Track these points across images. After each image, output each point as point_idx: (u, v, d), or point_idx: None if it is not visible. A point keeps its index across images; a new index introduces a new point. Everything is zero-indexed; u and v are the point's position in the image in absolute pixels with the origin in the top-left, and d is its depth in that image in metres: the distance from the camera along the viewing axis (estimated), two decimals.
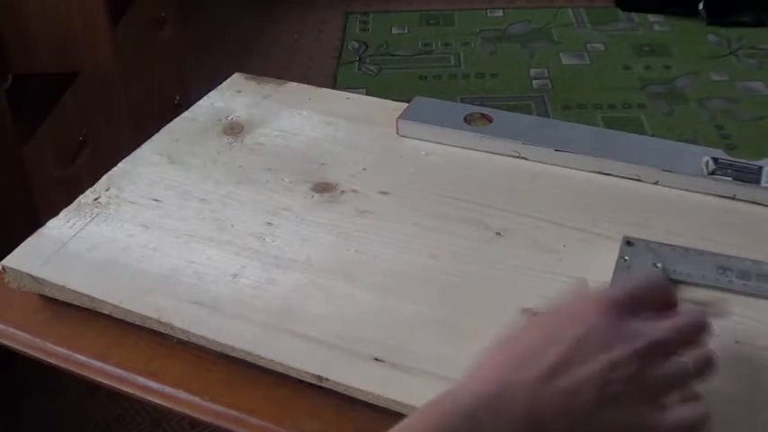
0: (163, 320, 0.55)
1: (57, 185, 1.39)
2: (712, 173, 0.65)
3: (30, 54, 1.50)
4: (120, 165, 0.71)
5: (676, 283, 0.56)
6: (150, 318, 0.55)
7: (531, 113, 2.07)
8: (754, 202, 0.64)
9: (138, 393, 0.54)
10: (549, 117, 2.06)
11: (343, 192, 0.67)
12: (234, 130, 0.76)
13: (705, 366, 0.42)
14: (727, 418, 0.47)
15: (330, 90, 0.82)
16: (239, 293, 0.57)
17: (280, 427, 0.51)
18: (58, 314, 0.59)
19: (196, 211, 0.65)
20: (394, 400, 0.49)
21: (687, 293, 0.56)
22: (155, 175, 0.69)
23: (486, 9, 2.70)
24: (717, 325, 0.53)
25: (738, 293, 0.55)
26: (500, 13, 2.67)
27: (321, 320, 0.54)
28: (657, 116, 2.09)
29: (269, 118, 0.77)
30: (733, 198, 0.65)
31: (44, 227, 0.64)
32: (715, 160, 0.66)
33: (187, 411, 0.53)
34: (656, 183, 0.67)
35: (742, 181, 0.64)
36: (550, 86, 2.24)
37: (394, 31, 2.60)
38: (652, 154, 0.68)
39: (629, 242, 0.59)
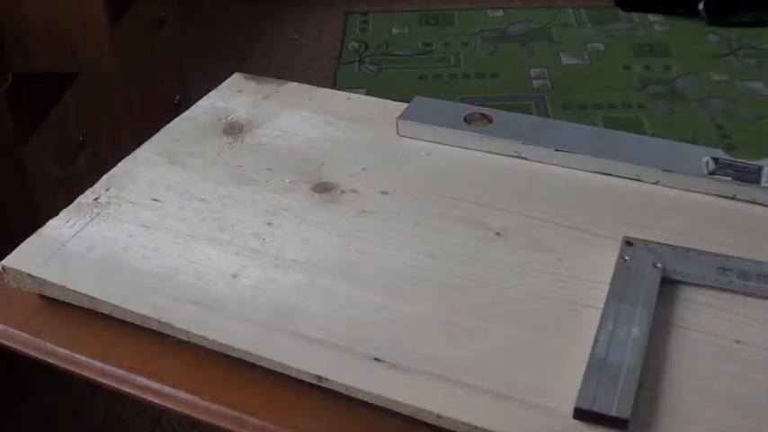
0: (163, 320, 0.55)
1: (57, 185, 1.40)
2: (712, 173, 0.65)
3: (30, 54, 1.50)
4: (120, 165, 0.71)
5: (676, 283, 0.56)
6: (150, 318, 0.55)
7: (531, 113, 2.07)
8: (754, 202, 0.64)
9: (138, 393, 0.54)
10: (549, 117, 2.06)
11: (343, 192, 0.67)
12: (234, 130, 0.76)
13: None
14: (727, 418, 0.47)
15: (330, 90, 0.82)
16: (239, 293, 0.57)
17: (280, 427, 0.51)
18: (57, 314, 0.59)
19: (196, 211, 0.65)
20: (394, 400, 0.49)
21: (687, 294, 0.56)
22: (155, 175, 0.69)
23: (486, 9, 2.70)
24: (717, 325, 0.53)
25: (738, 293, 0.55)
26: (500, 13, 2.67)
27: (321, 320, 0.54)
28: (657, 116, 2.09)
29: (269, 118, 0.77)
30: (733, 198, 0.65)
31: (44, 227, 0.64)
32: (715, 160, 0.66)
33: (187, 411, 0.53)
34: (656, 183, 0.67)
35: (742, 181, 0.64)
36: (550, 86, 2.24)
37: (394, 31, 2.61)
38: (652, 154, 0.68)
39: (629, 242, 0.59)
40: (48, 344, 0.57)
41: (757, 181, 0.64)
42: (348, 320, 0.54)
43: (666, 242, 0.59)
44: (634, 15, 2.59)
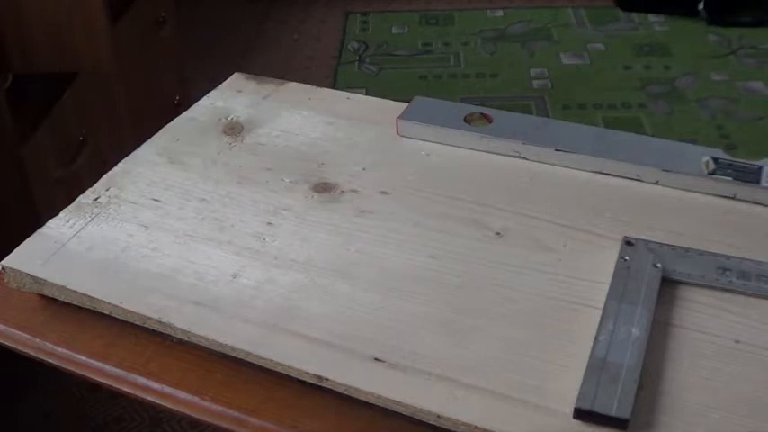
0: (163, 320, 0.55)
1: (57, 185, 1.40)
2: (712, 173, 0.65)
3: (30, 54, 1.50)
4: (120, 165, 0.71)
5: (676, 283, 0.56)
6: (150, 318, 0.55)
7: (531, 113, 2.07)
8: (754, 202, 0.64)
9: (138, 393, 0.54)
10: (549, 117, 2.06)
11: (343, 192, 0.67)
12: (234, 130, 0.76)
13: None
14: (727, 418, 0.47)
15: (330, 90, 0.82)
16: (239, 293, 0.57)
17: (280, 427, 0.51)
18: (57, 314, 0.59)
19: (196, 211, 0.65)
20: (394, 400, 0.49)
21: (687, 294, 0.56)
22: (155, 175, 0.69)
23: (486, 9, 2.70)
24: (717, 325, 0.53)
25: (738, 293, 0.55)
26: (500, 13, 2.67)
27: (321, 320, 0.54)
28: (657, 116, 2.09)
29: (269, 118, 0.77)
30: (733, 198, 0.65)
31: (44, 227, 0.64)
32: (715, 160, 0.66)
33: (187, 411, 0.53)
34: (656, 183, 0.67)
35: (742, 181, 0.64)
36: (550, 86, 2.24)
37: (394, 31, 2.61)
38: (652, 154, 0.68)
39: (629, 242, 0.59)
40: (48, 344, 0.57)
41: (757, 181, 0.64)
42: (348, 320, 0.54)
43: (666, 242, 0.59)
44: (634, 15, 2.60)
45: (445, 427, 0.48)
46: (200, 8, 2.75)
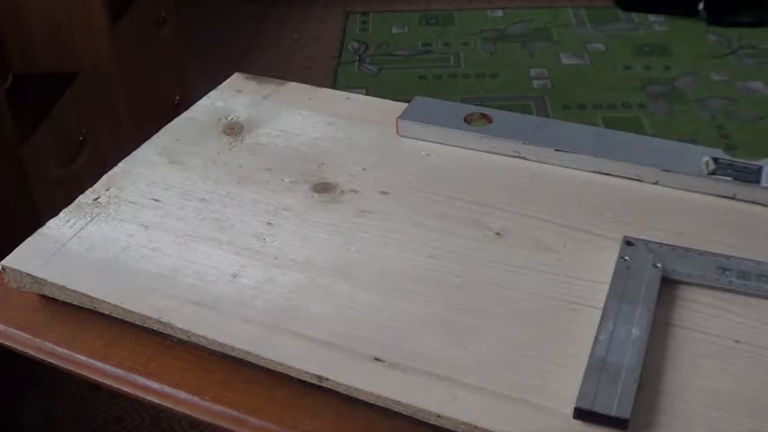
0: (163, 320, 0.55)
1: (57, 185, 1.40)
2: (712, 173, 0.65)
3: (30, 54, 1.50)
4: (120, 165, 0.71)
5: (676, 283, 0.56)
6: (150, 318, 0.55)
7: (531, 113, 2.07)
8: (754, 202, 0.64)
9: (138, 393, 0.54)
10: (549, 117, 2.06)
11: (343, 192, 0.67)
12: (234, 130, 0.76)
13: None
14: (727, 418, 0.47)
15: (330, 90, 0.82)
16: (239, 293, 0.57)
17: (280, 427, 0.51)
18: (57, 314, 0.59)
19: (196, 211, 0.65)
20: (394, 400, 0.49)
21: (687, 294, 0.56)
22: (155, 175, 0.69)
23: (486, 9, 2.70)
24: (717, 325, 0.53)
25: (738, 293, 0.55)
26: (500, 13, 2.67)
27: (321, 320, 0.54)
28: (657, 116, 2.09)
29: (269, 118, 0.77)
30: (733, 198, 0.65)
31: (44, 227, 0.64)
32: (715, 160, 0.66)
33: (187, 411, 0.53)
34: (656, 183, 0.67)
35: (742, 181, 0.64)
36: (550, 86, 2.24)
37: (394, 31, 2.61)
38: (652, 154, 0.68)
39: (629, 242, 0.59)
40: (48, 344, 0.57)
41: (757, 181, 0.64)
42: (348, 320, 0.54)
43: (666, 242, 0.59)
44: (634, 15, 2.60)
45: (445, 427, 0.48)
46: (200, 8, 2.75)
